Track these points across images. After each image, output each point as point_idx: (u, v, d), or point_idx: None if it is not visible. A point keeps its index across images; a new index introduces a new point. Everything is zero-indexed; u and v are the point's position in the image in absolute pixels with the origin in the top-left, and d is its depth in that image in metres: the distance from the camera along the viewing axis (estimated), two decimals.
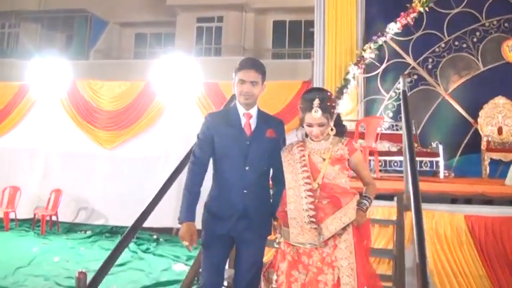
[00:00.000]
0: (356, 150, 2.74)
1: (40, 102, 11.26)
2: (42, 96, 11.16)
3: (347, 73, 8.79)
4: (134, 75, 11.23)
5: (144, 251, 8.46)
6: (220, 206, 2.85)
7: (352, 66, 8.73)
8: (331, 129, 2.69)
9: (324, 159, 2.67)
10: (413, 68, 8.61)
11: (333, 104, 2.69)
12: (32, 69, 11.07)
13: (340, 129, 2.78)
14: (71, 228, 10.36)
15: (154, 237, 9.37)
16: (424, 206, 4.01)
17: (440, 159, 7.45)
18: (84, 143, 10.85)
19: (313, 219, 2.54)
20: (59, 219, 10.33)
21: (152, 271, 6.99)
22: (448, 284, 3.86)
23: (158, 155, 9.99)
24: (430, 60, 8.57)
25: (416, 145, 7.98)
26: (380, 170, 7.43)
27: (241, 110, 2.92)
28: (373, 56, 8.67)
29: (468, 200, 4.40)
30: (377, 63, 8.78)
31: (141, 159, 10.38)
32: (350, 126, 8.23)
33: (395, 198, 3.94)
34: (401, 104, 4.21)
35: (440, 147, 7.54)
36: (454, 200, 4.32)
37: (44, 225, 9.97)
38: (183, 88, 10.14)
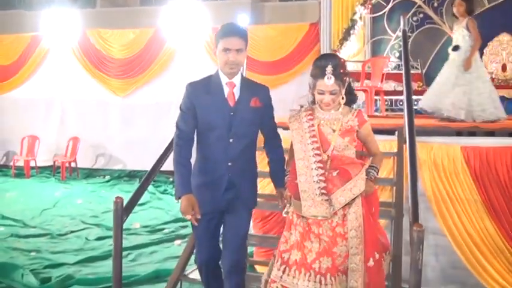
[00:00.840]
0: (366, 122, 2.67)
1: (52, 52, 11.50)
2: (54, 46, 11.41)
3: (354, 14, 8.84)
4: (143, 22, 11.33)
5: (162, 192, 8.91)
6: (205, 180, 2.76)
7: (359, 7, 8.77)
8: (342, 98, 2.63)
9: (334, 131, 2.62)
10: (419, 6, 8.65)
11: (346, 72, 2.61)
12: (42, 20, 11.26)
13: (351, 98, 2.72)
14: (90, 173, 10.88)
15: (171, 179, 9.77)
16: (423, 139, 4.33)
17: None
18: (97, 92, 11.17)
19: (324, 191, 2.51)
20: (78, 166, 10.81)
21: (171, 209, 7.41)
22: (445, 209, 4.16)
23: (170, 100, 10.18)
24: None
25: (421, 84, 8.17)
26: (386, 110, 7.67)
27: (223, 79, 2.76)
28: None
29: (465, 133, 4.67)
30: (383, 3, 8.82)
31: (154, 105, 10.68)
32: (357, 67, 8.45)
33: (396, 133, 4.21)
34: (402, 43, 4.41)
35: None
36: (451, 133, 4.58)
37: (64, 171, 10.45)
38: (192, 33, 10.31)
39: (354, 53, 9.05)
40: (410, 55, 8.47)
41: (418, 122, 4.87)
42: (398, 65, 8.46)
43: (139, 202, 2.66)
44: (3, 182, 10.05)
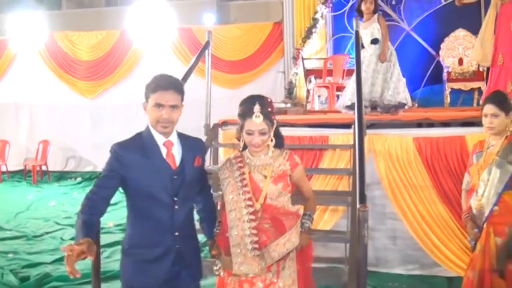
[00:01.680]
0: (298, 165, 2.55)
1: (20, 56, 11.53)
2: (22, 50, 11.44)
3: (315, 12, 9.19)
4: (109, 23, 11.42)
5: None
6: (147, 256, 2.36)
7: (320, 6, 9.13)
8: (271, 140, 2.51)
9: (265, 177, 2.49)
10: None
11: (273, 111, 2.52)
12: (8, 24, 11.23)
13: (280, 141, 2.57)
14: (61, 176, 10.91)
15: None
16: (378, 132, 4.67)
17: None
18: (66, 94, 11.24)
19: (256, 245, 2.37)
20: (49, 169, 10.86)
21: None
22: (400, 195, 4.48)
23: (139, 101, 10.20)
24: None
25: None
26: None
27: (159, 139, 2.39)
28: None
29: (425, 125, 5.01)
30: (343, 1, 9.18)
31: (123, 106, 10.78)
32: (319, 64, 8.77)
33: (353, 126, 4.50)
34: (354, 44, 4.72)
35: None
36: (404, 125, 4.90)
37: (35, 175, 10.47)
38: (158, 34, 10.47)
39: (316, 50, 9.38)
40: None
41: (372, 116, 5.24)
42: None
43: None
44: None
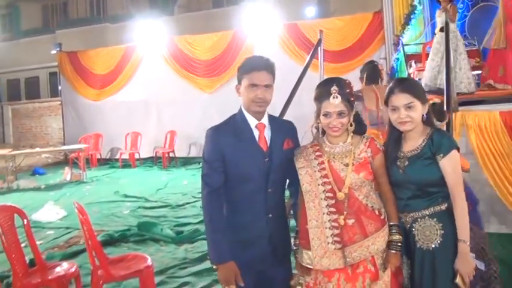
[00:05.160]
0: (380, 152, 2.41)
1: (146, 59, 13.20)
2: (147, 54, 13.10)
3: None
4: (218, 24, 12.62)
5: None
6: (239, 238, 2.42)
7: None
8: (351, 125, 2.39)
9: (347, 165, 2.35)
10: None
11: (353, 93, 2.40)
12: (135, 31, 12.96)
13: (360, 128, 2.47)
14: (187, 161, 12.42)
15: None
16: (469, 108, 5.33)
17: None
18: (187, 90, 12.69)
19: (338, 238, 2.28)
20: (176, 155, 12.41)
21: None
22: (489, 163, 5.07)
23: None
24: None
25: (478, 60, 8.86)
26: None
27: (252, 121, 2.44)
28: None
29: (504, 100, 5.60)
30: None
31: (239, 99, 11.95)
32: (418, 49, 9.30)
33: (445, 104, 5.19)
34: (444, 35, 5.41)
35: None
36: (492, 101, 5.54)
37: (164, 160, 12.10)
38: (267, 31, 11.52)
39: (415, 35, 9.85)
40: (467, 32, 9.20)
41: (463, 96, 5.89)
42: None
43: None
44: (113, 172, 11.83)
